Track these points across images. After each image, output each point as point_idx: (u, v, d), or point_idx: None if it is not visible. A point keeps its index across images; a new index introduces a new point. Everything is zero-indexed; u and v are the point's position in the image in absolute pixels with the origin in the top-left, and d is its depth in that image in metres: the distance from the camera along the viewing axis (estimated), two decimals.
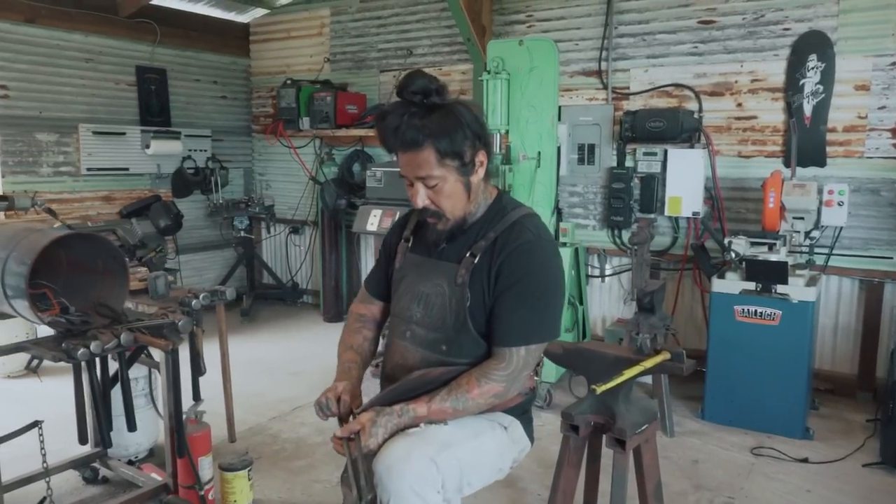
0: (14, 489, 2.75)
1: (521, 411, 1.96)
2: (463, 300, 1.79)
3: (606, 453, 2.13)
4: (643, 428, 2.19)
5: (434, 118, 1.68)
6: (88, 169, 5.48)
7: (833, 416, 4.01)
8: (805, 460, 3.39)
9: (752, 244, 3.80)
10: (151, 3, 5.62)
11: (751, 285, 3.67)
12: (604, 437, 2.20)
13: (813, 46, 4.17)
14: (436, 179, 1.73)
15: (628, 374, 2.09)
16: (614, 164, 4.84)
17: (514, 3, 5.16)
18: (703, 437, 3.70)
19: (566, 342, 2.61)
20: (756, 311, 3.66)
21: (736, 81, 4.44)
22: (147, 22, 5.74)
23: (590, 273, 5.06)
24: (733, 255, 3.64)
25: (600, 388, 2.04)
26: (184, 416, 2.79)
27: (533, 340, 1.78)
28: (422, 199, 1.77)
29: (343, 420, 1.80)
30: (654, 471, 2.32)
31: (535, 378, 1.99)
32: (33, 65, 5.10)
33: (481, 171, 1.80)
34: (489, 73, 4.23)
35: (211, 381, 3.46)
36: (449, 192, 1.76)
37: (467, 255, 1.80)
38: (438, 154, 1.69)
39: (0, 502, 2.34)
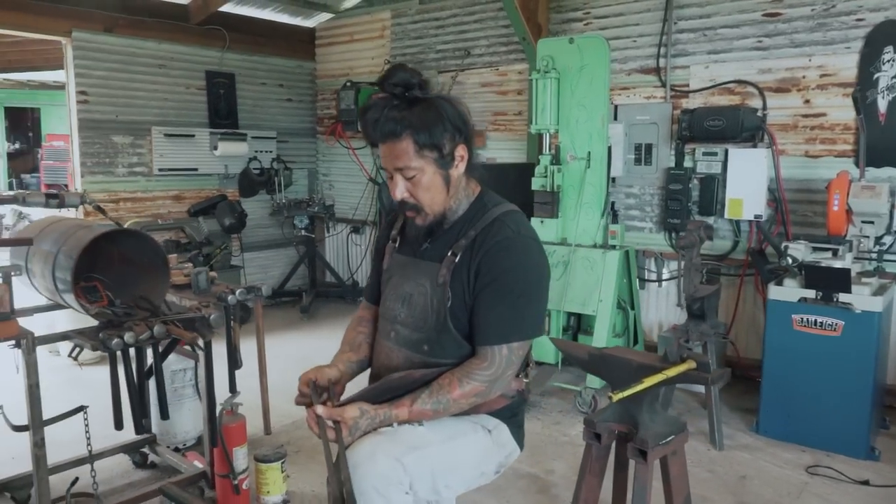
0: (63, 470, 2.92)
1: (510, 414, 1.91)
2: (444, 300, 1.77)
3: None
4: (668, 439, 2.11)
5: (415, 111, 1.68)
6: (160, 169, 5.78)
7: None
8: (866, 482, 3.16)
9: (815, 249, 3.58)
10: (221, 10, 5.87)
11: (810, 293, 3.45)
12: (627, 446, 2.14)
13: (889, 37, 3.88)
14: (413, 171, 1.72)
15: (648, 382, 2.02)
16: (672, 164, 4.67)
17: (571, 0, 5.06)
18: (754, 451, 3.51)
19: (592, 347, 2.55)
20: (816, 320, 3.44)
21: (803, 77, 4.19)
22: (217, 29, 5.99)
23: (647, 277, 4.90)
24: (790, 260, 3.43)
25: (617, 396, 1.99)
26: (219, 408, 2.89)
27: (513, 339, 1.74)
28: (400, 191, 1.76)
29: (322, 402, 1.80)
30: (682, 484, 2.23)
31: (525, 380, 1.93)
32: (110, 71, 5.42)
33: (461, 166, 1.79)
34: (538, 72, 4.18)
35: (253, 374, 3.57)
36: (427, 185, 1.74)
37: (448, 254, 1.79)
38: (416, 145, 1.69)
39: (45, 483, 2.47)
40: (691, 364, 2.08)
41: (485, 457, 1.84)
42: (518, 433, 1.94)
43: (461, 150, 1.77)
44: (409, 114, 1.68)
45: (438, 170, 1.74)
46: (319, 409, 1.68)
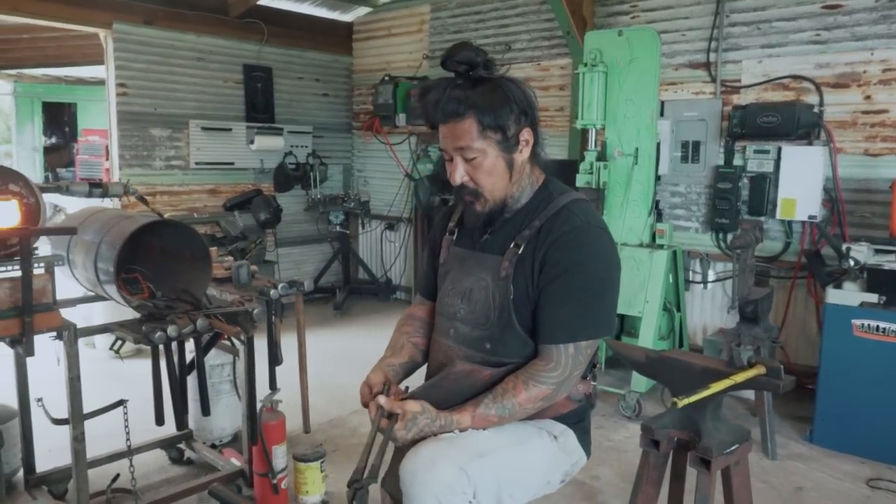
0: (99, 465, 2.88)
1: (576, 419, 1.79)
2: (507, 294, 1.66)
3: (693, 472, 1.94)
4: (733, 448, 1.99)
5: (479, 91, 1.59)
6: (197, 163, 5.76)
7: None
8: None
9: (877, 252, 3.41)
10: (259, 3, 5.83)
11: (873, 297, 3.29)
12: (688, 455, 2.02)
13: None
14: (475, 152, 1.62)
15: (715, 387, 1.90)
16: (721, 162, 4.51)
17: None
18: (810, 462, 3.36)
19: (649, 349, 2.42)
20: (878, 326, 3.28)
21: (864, 71, 4.00)
22: (255, 22, 5.95)
23: (691, 279, 4.75)
24: (852, 262, 3.27)
25: (682, 402, 1.86)
26: (259, 405, 2.83)
27: (581, 337, 1.62)
28: (460, 174, 1.66)
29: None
30: (745, 497, 2.10)
31: (593, 383, 1.82)
32: (149, 64, 5.41)
33: (526, 151, 1.68)
34: (586, 65, 4.05)
35: (291, 371, 3.51)
36: (489, 168, 1.64)
37: (511, 245, 1.68)
38: (480, 125, 1.59)
39: (84, 478, 2.43)
40: (760, 370, 1.95)
41: (551, 464, 1.73)
42: (585, 439, 1.82)
43: (526, 134, 1.66)
44: (473, 93, 1.59)
45: (502, 153, 1.64)
46: (381, 400, 1.59)
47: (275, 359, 2.90)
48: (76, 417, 2.39)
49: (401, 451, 1.60)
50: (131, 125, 5.38)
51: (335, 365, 4.67)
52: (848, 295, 3.38)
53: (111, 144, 5.44)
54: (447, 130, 1.63)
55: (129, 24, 5.26)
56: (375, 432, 1.58)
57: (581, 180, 4.14)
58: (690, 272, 4.75)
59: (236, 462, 3.05)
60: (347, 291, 6.35)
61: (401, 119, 5.96)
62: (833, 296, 3.43)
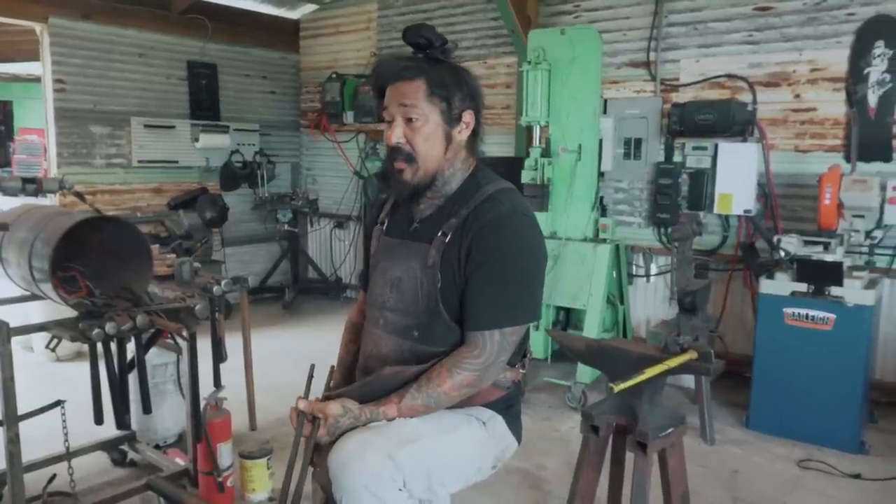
0: (38, 469, 2.80)
1: (505, 406, 1.81)
2: (434, 283, 1.67)
3: (632, 456, 2.01)
4: (668, 431, 2.07)
5: (433, 66, 1.66)
6: (139, 161, 5.64)
7: (893, 430, 3.72)
8: (858, 476, 3.15)
9: (806, 243, 3.56)
10: None
11: (802, 287, 3.44)
12: (626, 439, 2.09)
13: (880, 32, 3.89)
14: (418, 114, 1.64)
15: (650, 372, 1.97)
16: (661, 158, 4.64)
17: None
18: (745, 446, 3.49)
19: (589, 338, 2.48)
20: (807, 314, 3.43)
21: (794, 71, 4.18)
22: (199, 18, 5.85)
23: (634, 273, 4.87)
24: (783, 253, 3.41)
25: (618, 387, 1.93)
26: (204, 402, 2.80)
27: (506, 323, 1.65)
28: (397, 135, 1.66)
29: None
30: (680, 478, 2.19)
31: (522, 371, 1.85)
32: (88, 59, 5.27)
33: (465, 133, 1.72)
34: (529, 63, 4.12)
35: (237, 370, 3.48)
36: (428, 133, 1.66)
37: (438, 234, 1.70)
38: (428, 88, 1.64)
39: (20, 482, 2.36)
40: (693, 354, 2.04)
41: (481, 450, 1.75)
42: (515, 425, 1.84)
43: (468, 116, 1.71)
44: (426, 66, 1.65)
45: (443, 123, 1.68)
46: (301, 404, 1.59)
47: (219, 356, 2.87)
48: (10, 418, 2.32)
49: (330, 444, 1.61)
50: (69, 122, 5.23)
51: (284, 364, 4.62)
52: (779, 285, 3.52)
53: (48, 142, 5.27)
54: (394, 90, 1.67)
55: (65, 19, 5.12)
56: (299, 439, 1.58)
57: (526, 176, 4.21)
58: (634, 266, 4.87)
59: (181, 462, 3.01)
60: (296, 290, 6.30)
61: (349, 116, 5.95)
62: (766, 286, 3.57)
